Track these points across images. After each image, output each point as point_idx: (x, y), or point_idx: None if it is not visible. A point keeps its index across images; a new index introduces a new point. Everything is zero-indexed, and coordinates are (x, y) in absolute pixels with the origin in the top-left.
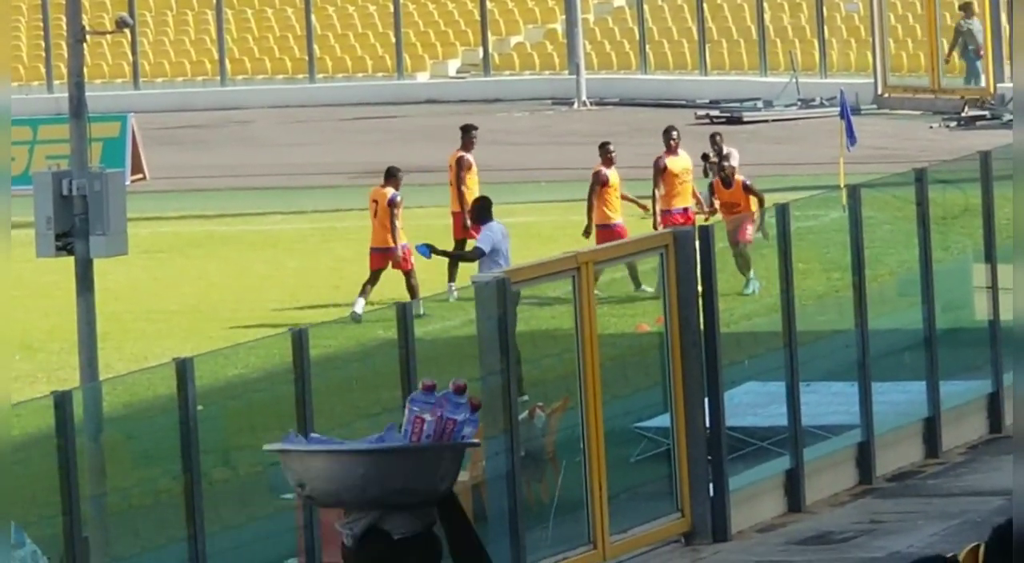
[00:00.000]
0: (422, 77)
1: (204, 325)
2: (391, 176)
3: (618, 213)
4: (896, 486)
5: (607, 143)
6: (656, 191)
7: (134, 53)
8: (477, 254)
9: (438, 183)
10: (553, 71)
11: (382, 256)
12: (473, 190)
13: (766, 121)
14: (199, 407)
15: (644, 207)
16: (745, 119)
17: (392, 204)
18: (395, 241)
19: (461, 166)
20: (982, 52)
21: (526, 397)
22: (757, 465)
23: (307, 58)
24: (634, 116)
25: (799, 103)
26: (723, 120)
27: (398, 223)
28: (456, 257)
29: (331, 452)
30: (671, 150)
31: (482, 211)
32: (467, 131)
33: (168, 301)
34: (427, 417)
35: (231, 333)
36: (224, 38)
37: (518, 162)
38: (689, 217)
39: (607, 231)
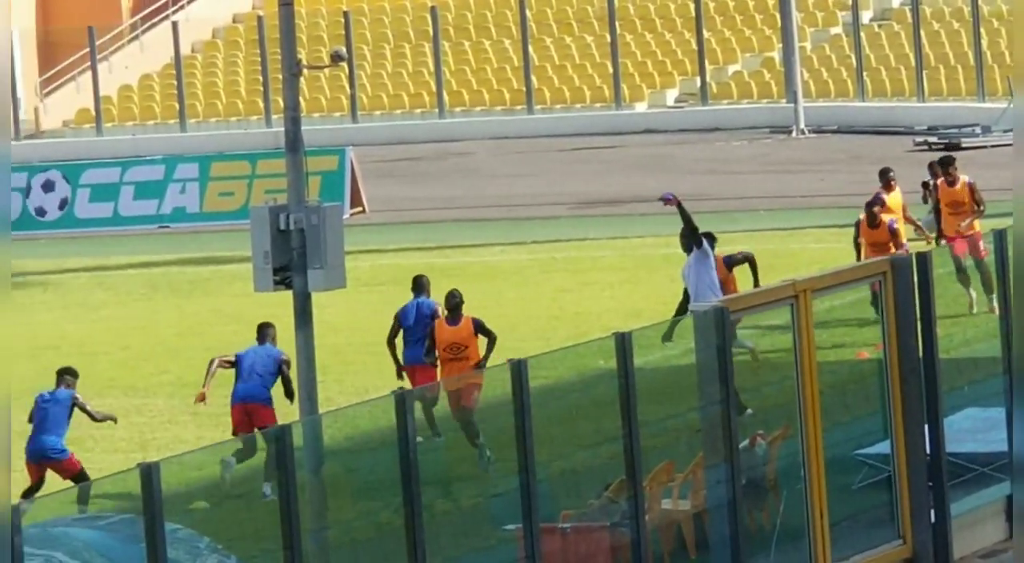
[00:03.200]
0: (640, 107)
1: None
2: None
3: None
4: None
5: (887, 169)
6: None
7: (352, 86)
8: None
9: (656, 213)
10: (771, 99)
11: None
12: None
13: (984, 147)
14: (419, 439)
15: (928, 237)
16: (963, 145)
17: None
18: None
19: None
20: None
21: (750, 411)
22: (978, 491)
23: (525, 89)
24: (852, 143)
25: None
26: (941, 146)
27: None
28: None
29: None
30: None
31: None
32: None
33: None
34: None
35: None
36: (442, 70)
37: (736, 191)
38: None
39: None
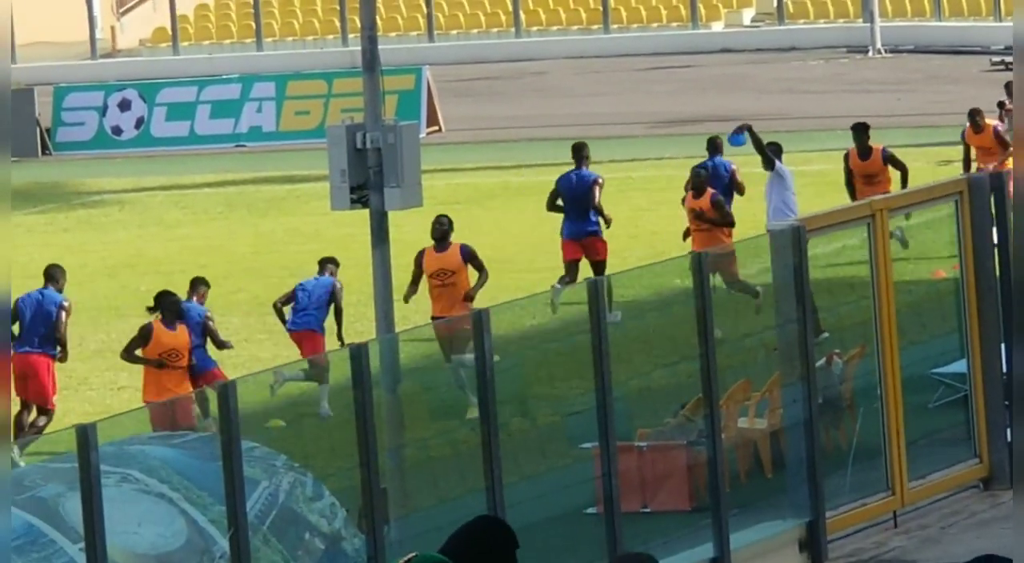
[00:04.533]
0: (717, 26)
1: (501, 276)
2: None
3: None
4: None
5: (976, 111)
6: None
7: (428, 6)
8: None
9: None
10: (847, 19)
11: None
12: None
13: None
14: (496, 358)
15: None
16: None
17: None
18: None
19: None
20: None
21: (826, 334)
22: None
23: (602, 8)
24: (928, 63)
25: None
26: None
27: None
28: (758, 143)
29: None
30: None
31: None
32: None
33: None
34: None
35: (528, 283)
36: None
37: (813, 110)
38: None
39: None
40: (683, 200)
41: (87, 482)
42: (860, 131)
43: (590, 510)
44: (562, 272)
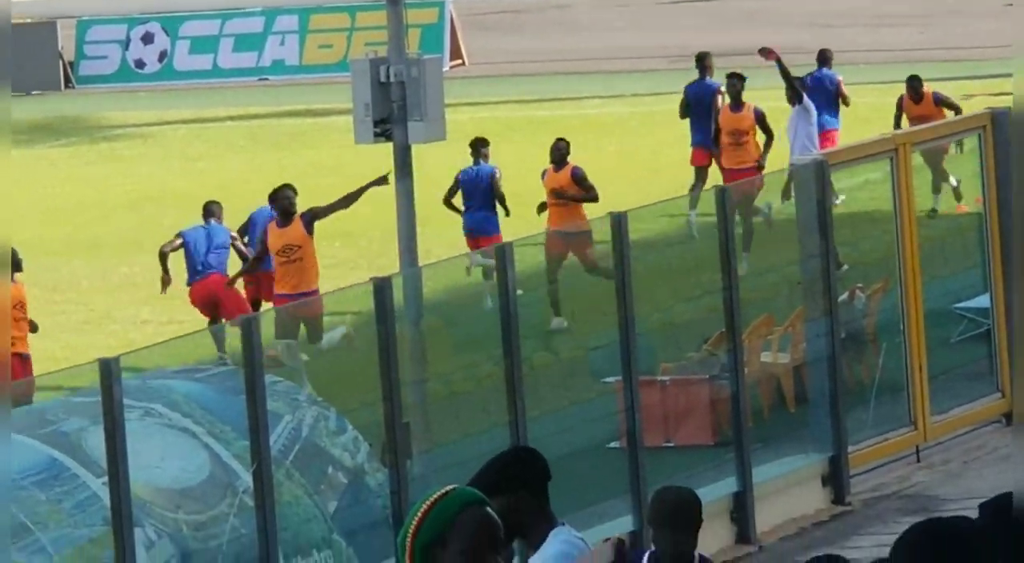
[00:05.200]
0: None
1: (524, 209)
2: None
3: None
4: None
5: None
6: None
7: None
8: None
9: (756, 66)
10: None
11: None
12: None
13: None
14: (519, 292)
15: None
16: None
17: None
18: None
19: None
20: None
21: (846, 267)
22: None
23: None
24: None
25: None
26: None
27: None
28: (786, 74)
29: None
30: None
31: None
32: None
33: None
34: None
35: None
36: None
37: (836, 44)
38: None
39: None
40: (543, 174)
41: (110, 416)
42: (914, 79)
43: (613, 444)
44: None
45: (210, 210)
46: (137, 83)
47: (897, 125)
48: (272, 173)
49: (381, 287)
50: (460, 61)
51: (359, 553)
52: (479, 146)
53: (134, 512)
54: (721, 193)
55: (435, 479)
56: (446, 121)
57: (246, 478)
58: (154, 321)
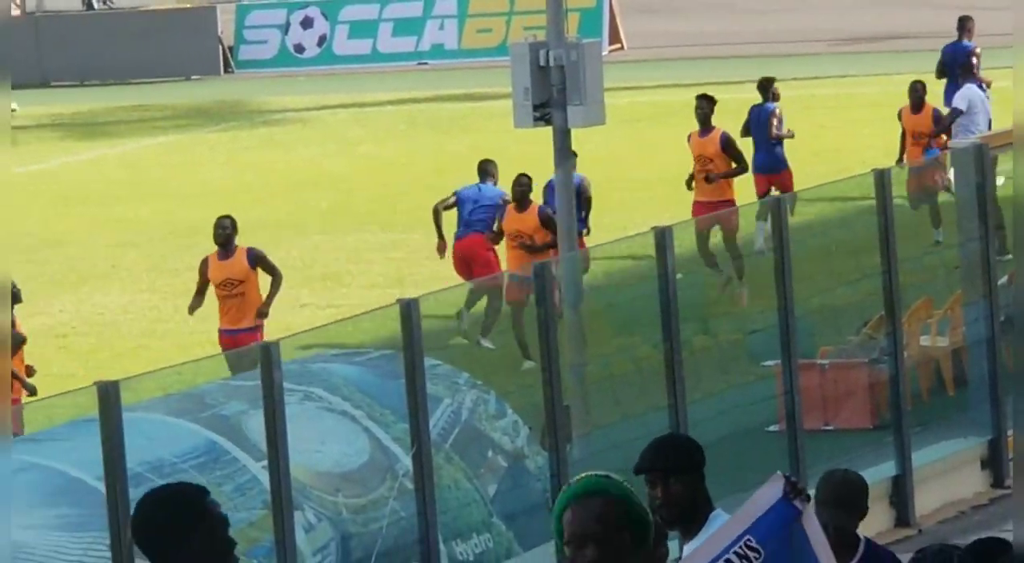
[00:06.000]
0: None
1: (683, 194)
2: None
3: None
4: None
5: None
6: None
7: None
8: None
9: (916, 50)
10: None
11: None
12: None
13: None
14: (679, 275)
15: None
16: None
17: None
18: None
19: None
20: None
21: (1009, 256)
22: None
23: None
24: None
25: None
26: None
27: None
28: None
29: None
30: None
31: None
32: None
33: (647, 170)
34: None
35: None
36: None
37: (1001, 27)
38: None
39: None
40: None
41: (270, 400)
42: (918, 84)
43: (772, 428)
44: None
45: (486, 169)
46: (296, 68)
47: (902, 147)
48: (431, 157)
49: (541, 271)
50: (619, 45)
51: (519, 536)
52: (487, 168)
53: (294, 495)
54: (880, 175)
55: (594, 462)
56: (605, 105)
57: (406, 461)
58: (312, 305)
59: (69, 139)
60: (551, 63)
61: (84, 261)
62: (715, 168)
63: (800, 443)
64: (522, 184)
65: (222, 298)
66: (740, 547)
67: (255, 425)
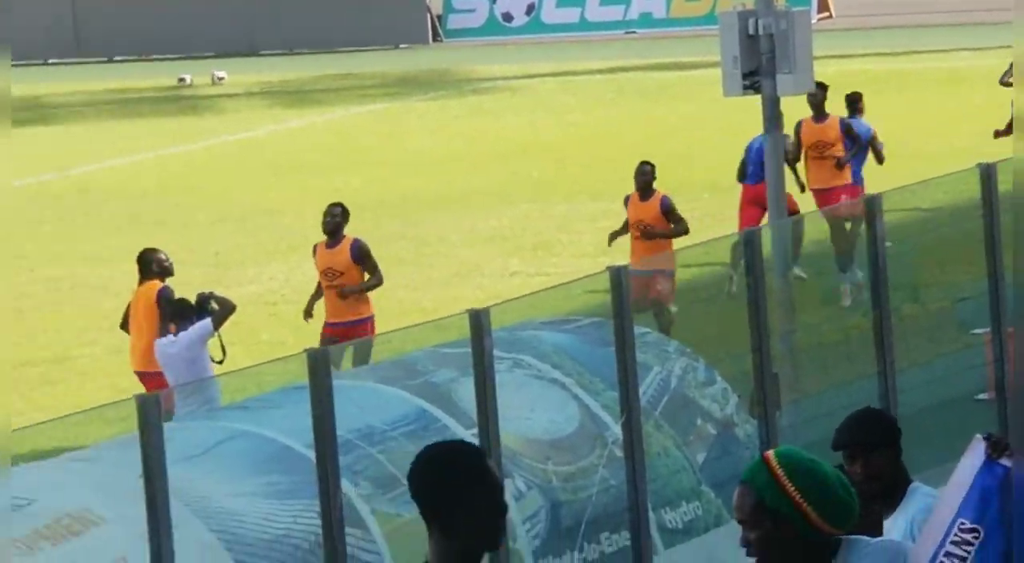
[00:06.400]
0: None
1: (893, 161)
2: None
3: None
4: None
5: None
6: None
7: None
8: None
9: None
10: None
11: None
12: None
13: None
14: (888, 244)
15: None
16: None
17: None
18: None
19: None
20: None
21: None
22: None
23: None
24: None
25: None
26: None
27: None
28: None
29: None
30: None
31: None
32: None
33: None
34: None
35: (919, 169)
36: None
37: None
38: None
39: None
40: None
41: (480, 367)
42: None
43: (981, 396)
44: (955, 158)
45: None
46: (504, 36)
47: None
48: (642, 125)
49: (750, 239)
50: (827, 13)
51: (727, 504)
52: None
53: (504, 463)
54: None
55: (803, 430)
56: (814, 73)
57: (615, 429)
58: (522, 273)
59: (277, 107)
60: (760, 32)
61: (295, 230)
62: (836, 152)
63: (1011, 412)
64: (645, 173)
65: (325, 288)
66: (955, 534)
67: (465, 392)
